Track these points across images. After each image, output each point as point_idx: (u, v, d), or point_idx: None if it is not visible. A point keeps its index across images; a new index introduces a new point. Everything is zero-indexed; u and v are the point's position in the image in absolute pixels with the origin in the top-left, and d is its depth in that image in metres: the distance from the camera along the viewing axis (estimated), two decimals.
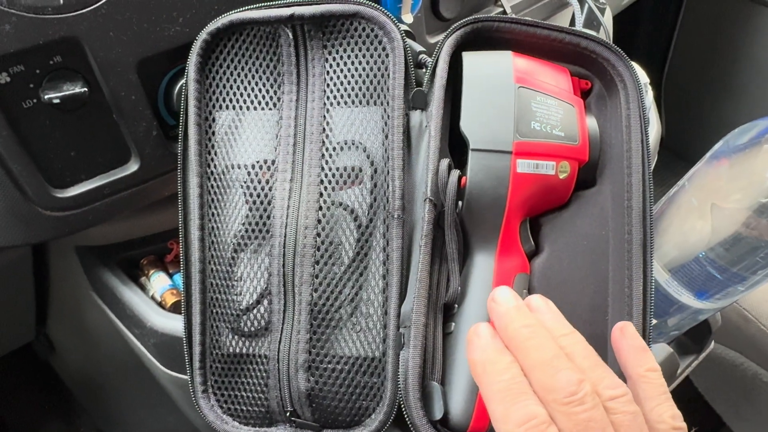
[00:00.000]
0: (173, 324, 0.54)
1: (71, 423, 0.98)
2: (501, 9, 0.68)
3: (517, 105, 0.43)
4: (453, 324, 0.43)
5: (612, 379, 0.35)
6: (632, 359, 0.37)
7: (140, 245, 0.61)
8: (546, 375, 0.34)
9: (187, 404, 0.62)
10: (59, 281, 0.68)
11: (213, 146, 0.47)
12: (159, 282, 0.58)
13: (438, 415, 0.41)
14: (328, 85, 0.46)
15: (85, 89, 0.45)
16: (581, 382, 0.33)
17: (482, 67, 0.45)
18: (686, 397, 0.77)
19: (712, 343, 0.57)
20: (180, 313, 0.47)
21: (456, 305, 0.44)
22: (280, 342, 0.45)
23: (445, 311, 0.44)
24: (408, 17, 0.57)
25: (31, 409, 0.99)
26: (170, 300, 0.57)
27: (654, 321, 0.42)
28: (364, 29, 0.45)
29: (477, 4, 0.66)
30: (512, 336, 0.36)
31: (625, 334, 0.38)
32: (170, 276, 0.59)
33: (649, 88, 0.65)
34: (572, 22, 0.66)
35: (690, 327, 0.54)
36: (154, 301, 0.57)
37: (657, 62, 1.50)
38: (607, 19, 0.64)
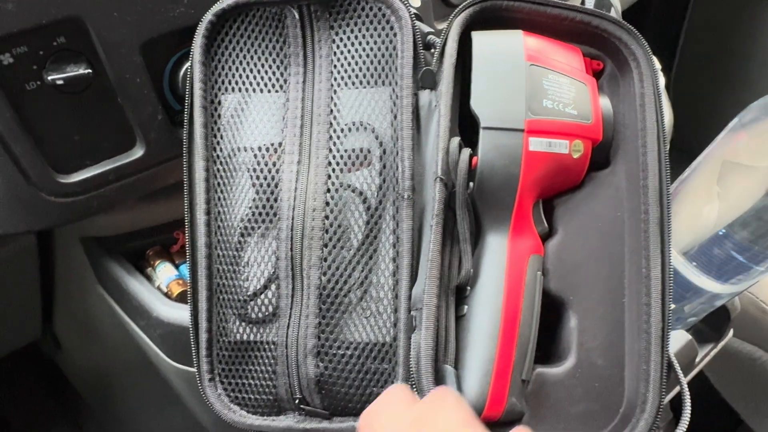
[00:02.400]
0: (179, 314, 0.53)
1: (77, 423, 0.97)
2: None
3: (529, 83, 0.42)
4: (466, 307, 0.42)
5: None
6: None
7: (146, 236, 0.60)
8: None
9: (193, 398, 0.61)
10: (65, 275, 0.68)
11: (219, 129, 0.46)
12: (165, 272, 0.57)
13: None
14: (335, 66, 0.45)
15: (89, 71, 0.44)
16: None
17: (492, 46, 0.44)
18: (703, 393, 0.76)
19: (731, 331, 0.56)
20: (186, 303, 0.46)
21: (468, 287, 0.43)
22: (288, 327, 0.44)
23: (457, 294, 0.43)
24: (416, 1, 0.56)
25: (37, 409, 0.98)
26: (176, 290, 0.56)
27: (672, 306, 0.41)
28: (371, 8, 0.44)
29: None
30: None
31: None
32: (176, 266, 0.58)
33: (662, 74, 0.64)
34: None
35: (707, 313, 0.53)
36: (160, 292, 0.56)
37: (665, 60, 1.49)
38: (617, 5, 0.63)
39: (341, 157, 0.44)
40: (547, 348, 0.44)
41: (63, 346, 0.83)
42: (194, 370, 0.46)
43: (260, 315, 0.45)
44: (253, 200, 0.45)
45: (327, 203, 0.43)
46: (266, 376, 0.45)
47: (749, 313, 0.74)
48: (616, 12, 0.59)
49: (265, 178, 0.45)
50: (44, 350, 0.88)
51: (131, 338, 0.59)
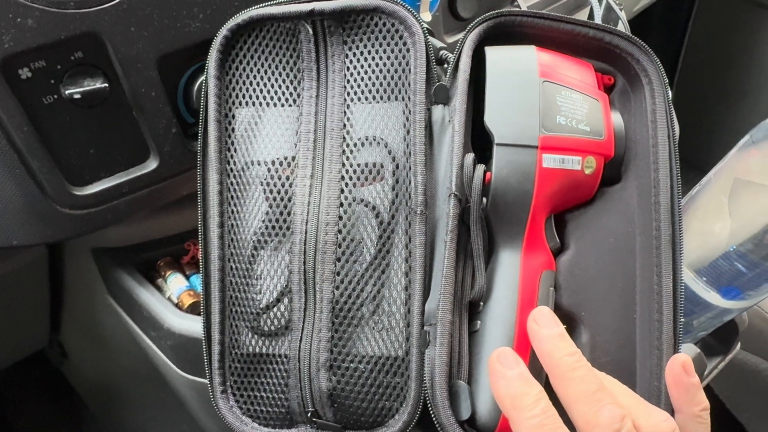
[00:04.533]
0: (191, 325, 0.53)
1: None
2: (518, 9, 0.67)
3: (542, 99, 0.42)
4: (479, 322, 0.42)
5: (660, 413, 0.35)
6: (691, 397, 0.37)
7: (157, 247, 0.60)
8: (590, 409, 0.34)
9: (202, 410, 0.61)
10: (74, 285, 0.68)
11: (233, 143, 0.46)
12: (176, 283, 0.57)
13: (465, 415, 0.40)
14: (348, 80, 0.45)
15: (106, 85, 0.44)
16: (624, 419, 0.33)
17: (506, 62, 0.44)
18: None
19: (739, 344, 0.56)
20: (197, 314, 0.47)
21: (481, 303, 0.43)
22: (300, 341, 0.44)
23: (470, 309, 0.43)
24: (426, 15, 0.57)
25: (42, 418, 0.98)
26: (187, 301, 0.56)
27: (682, 320, 0.41)
28: (384, 24, 0.44)
29: (494, 4, 0.66)
30: (556, 364, 0.36)
31: (687, 371, 0.37)
32: (187, 277, 0.58)
33: (669, 88, 0.65)
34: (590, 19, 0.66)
35: (716, 327, 0.53)
36: (170, 303, 0.56)
37: (667, 72, 1.49)
38: (624, 20, 0.63)
39: (354, 171, 0.44)
40: None
41: (70, 355, 0.83)
42: (204, 381, 0.46)
43: (273, 328, 0.45)
44: (267, 214, 0.45)
45: (340, 217, 0.44)
46: (278, 389, 0.45)
47: (755, 326, 0.74)
48: (623, 26, 0.60)
49: (279, 192, 0.45)
50: (50, 358, 0.88)
51: (141, 349, 0.59)
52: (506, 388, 0.35)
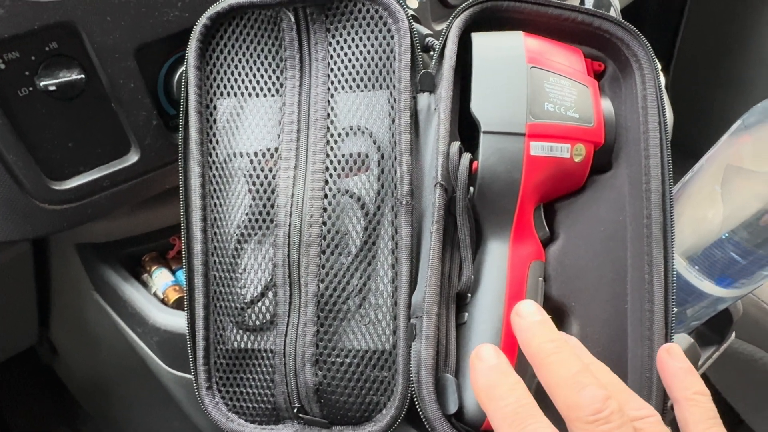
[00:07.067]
0: (176, 321, 0.52)
1: (75, 428, 0.97)
2: None
3: (530, 86, 0.42)
4: (466, 314, 0.42)
5: (639, 401, 0.34)
6: (680, 382, 0.36)
7: (142, 242, 0.59)
8: (571, 391, 0.32)
9: (191, 405, 0.60)
10: (60, 281, 0.67)
11: (214, 135, 0.45)
12: (161, 278, 0.56)
13: (453, 408, 0.39)
14: (332, 69, 0.44)
15: (82, 76, 0.43)
16: (607, 399, 0.31)
17: (493, 48, 0.43)
18: None
19: (734, 333, 0.55)
20: (183, 310, 0.46)
21: (469, 294, 0.42)
22: (286, 335, 0.43)
23: (457, 301, 0.42)
24: (413, 2, 0.56)
25: (35, 414, 0.98)
26: (173, 296, 0.55)
27: (674, 310, 0.41)
28: (368, 11, 0.43)
29: None
30: (535, 351, 0.34)
31: (672, 356, 0.36)
32: (173, 272, 0.58)
33: (662, 74, 0.64)
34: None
35: (710, 317, 0.52)
36: (156, 298, 0.55)
37: (662, 60, 1.48)
38: (616, 5, 0.62)
39: (339, 162, 0.43)
40: None
41: (59, 352, 0.82)
42: (192, 376, 0.45)
43: (257, 323, 0.44)
44: (250, 206, 0.44)
45: (324, 209, 0.43)
46: (264, 384, 0.44)
47: (750, 314, 0.74)
48: (615, 11, 0.59)
49: (262, 184, 0.44)
50: (41, 355, 0.88)
51: (128, 345, 0.59)
52: (482, 381, 0.34)
